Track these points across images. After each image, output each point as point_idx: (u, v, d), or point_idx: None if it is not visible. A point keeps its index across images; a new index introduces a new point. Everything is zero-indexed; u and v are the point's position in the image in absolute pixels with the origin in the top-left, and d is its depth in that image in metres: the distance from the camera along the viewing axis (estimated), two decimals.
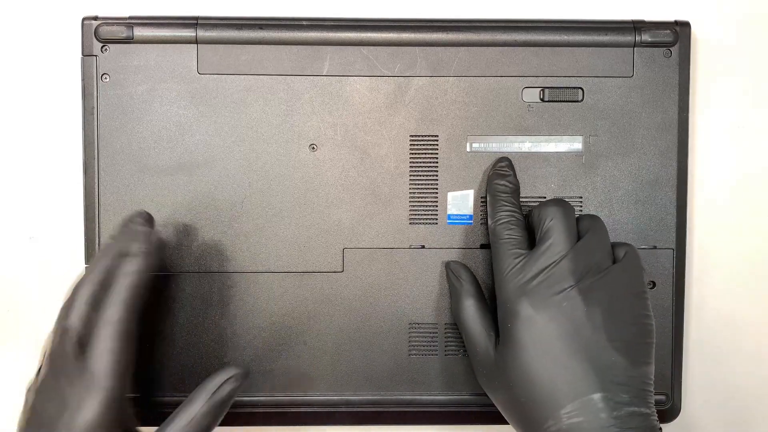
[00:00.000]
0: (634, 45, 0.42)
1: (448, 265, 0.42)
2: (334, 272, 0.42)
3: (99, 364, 0.33)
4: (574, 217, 0.38)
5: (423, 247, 0.42)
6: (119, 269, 0.35)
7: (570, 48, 0.42)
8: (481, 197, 0.42)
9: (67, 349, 0.34)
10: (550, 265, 0.36)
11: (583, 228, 0.38)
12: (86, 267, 0.39)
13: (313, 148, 0.42)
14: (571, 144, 0.42)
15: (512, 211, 0.39)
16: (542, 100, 0.42)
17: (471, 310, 0.39)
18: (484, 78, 0.42)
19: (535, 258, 0.37)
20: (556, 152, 0.42)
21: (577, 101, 0.42)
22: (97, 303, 0.35)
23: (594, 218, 0.39)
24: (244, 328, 0.42)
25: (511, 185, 0.40)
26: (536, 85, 0.42)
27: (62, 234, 0.43)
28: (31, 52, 0.43)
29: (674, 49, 0.42)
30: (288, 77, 0.41)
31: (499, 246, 0.38)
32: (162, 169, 0.42)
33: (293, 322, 0.42)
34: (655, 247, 0.42)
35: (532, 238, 0.39)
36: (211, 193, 0.42)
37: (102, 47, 0.41)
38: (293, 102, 0.42)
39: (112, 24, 0.41)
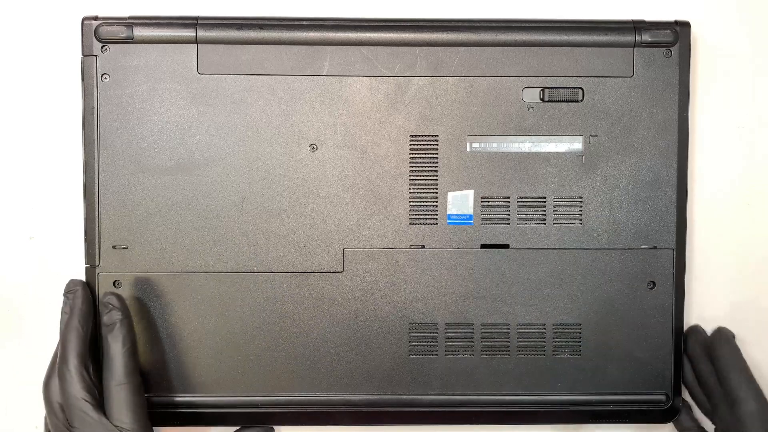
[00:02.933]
0: (634, 45, 0.42)
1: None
2: (335, 272, 0.42)
3: (124, 418, 0.37)
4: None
5: (423, 247, 0.42)
6: (109, 339, 0.39)
7: (570, 48, 0.42)
8: (482, 197, 0.42)
9: (90, 415, 0.37)
10: None
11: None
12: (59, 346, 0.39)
13: (313, 148, 0.42)
14: (571, 144, 0.42)
15: None
16: (542, 100, 0.42)
17: None
18: (484, 78, 0.42)
19: None
20: (556, 152, 0.42)
21: (577, 101, 0.42)
22: (87, 369, 0.38)
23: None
24: (244, 328, 0.42)
25: None
26: (536, 85, 0.42)
27: (62, 234, 0.43)
28: (31, 52, 0.43)
29: (674, 49, 0.42)
30: (288, 77, 0.41)
31: None
32: (162, 169, 0.42)
33: (293, 322, 0.42)
34: (655, 247, 0.42)
35: None
36: (211, 193, 0.42)
37: (102, 47, 0.41)
38: (293, 102, 0.42)
39: (112, 24, 0.41)
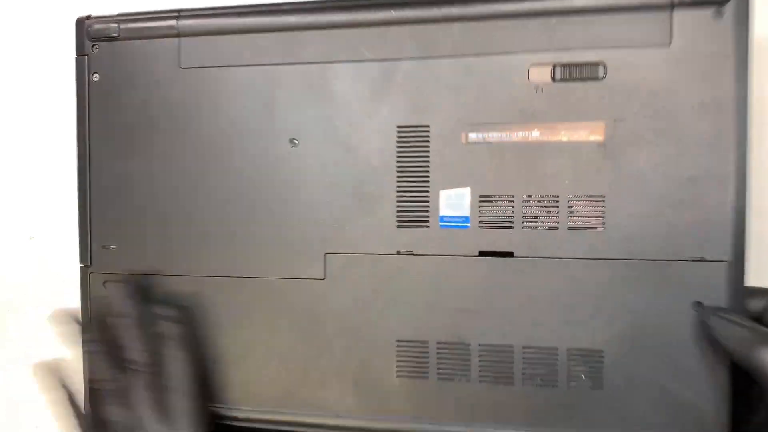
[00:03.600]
0: (672, 6, 0.33)
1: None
2: (315, 279, 0.38)
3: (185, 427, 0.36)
4: None
5: (412, 253, 0.37)
6: (167, 351, 0.38)
7: (587, 15, 0.34)
8: (480, 195, 0.36)
9: None
10: None
11: None
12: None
13: (294, 143, 0.38)
14: (591, 132, 0.35)
15: None
16: (554, 79, 0.35)
17: None
18: (482, 57, 0.36)
19: None
20: (572, 142, 0.35)
21: (597, 79, 0.35)
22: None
23: None
24: (218, 336, 0.39)
25: None
26: (546, 62, 0.35)
27: (62, 234, 0.44)
28: (32, 53, 0.44)
29: (727, 8, 0.33)
30: (268, 67, 0.38)
31: None
32: (146, 168, 0.40)
33: (270, 333, 0.39)
34: (702, 259, 0.34)
35: None
36: (191, 193, 0.40)
37: (93, 46, 0.41)
38: (274, 93, 0.38)
39: (101, 22, 0.41)
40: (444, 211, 0.37)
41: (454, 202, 0.36)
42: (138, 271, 0.41)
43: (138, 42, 0.40)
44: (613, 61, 0.34)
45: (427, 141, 0.37)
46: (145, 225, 0.40)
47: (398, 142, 0.37)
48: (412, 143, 0.37)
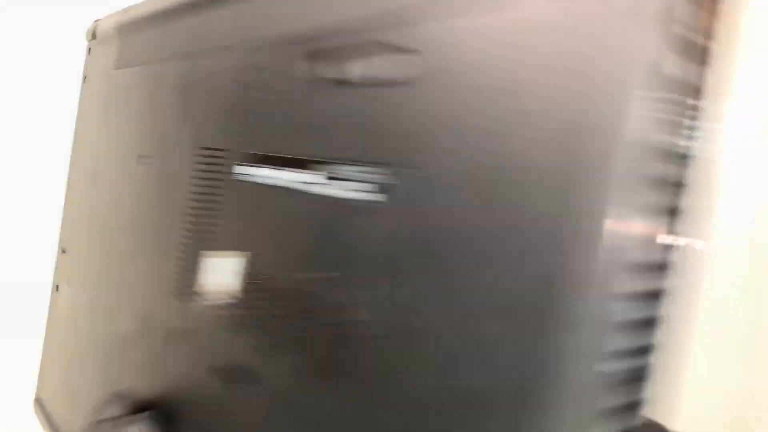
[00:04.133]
0: None
1: None
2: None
3: None
4: None
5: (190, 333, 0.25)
6: None
7: None
8: (245, 267, 0.22)
9: None
10: None
11: None
12: None
13: (140, 160, 0.30)
14: (373, 180, 0.17)
15: None
16: (331, 79, 0.18)
17: None
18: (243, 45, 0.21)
19: None
20: (346, 199, 0.18)
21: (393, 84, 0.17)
22: None
23: None
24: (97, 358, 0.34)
25: None
26: (324, 47, 0.19)
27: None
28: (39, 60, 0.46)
29: None
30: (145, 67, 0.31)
31: None
32: (84, 176, 0.38)
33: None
34: None
35: None
36: (95, 207, 0.35)
37: (89, 49, 0.40)
38: (144, 102, 0.31)
39: (94, 24, 0.40)
40: (208, 282, 0.23)
41: (217, 270, 0.23)
42: (73, 284, 0.38)
43: (105, 43, 0.38)
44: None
45: (221, 171, 0.24)
46: (83, 235, 0.38)
47: (198, 168, 0.25)
48: (209, 172, 0.25)
